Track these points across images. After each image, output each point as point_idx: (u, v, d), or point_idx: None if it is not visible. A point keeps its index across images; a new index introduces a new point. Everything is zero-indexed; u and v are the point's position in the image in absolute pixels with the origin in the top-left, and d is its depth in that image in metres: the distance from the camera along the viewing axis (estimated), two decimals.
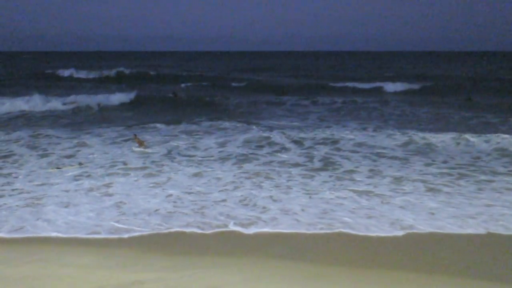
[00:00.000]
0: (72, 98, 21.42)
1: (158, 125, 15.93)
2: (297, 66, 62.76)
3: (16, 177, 9.51)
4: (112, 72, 40.78)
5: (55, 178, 9.49)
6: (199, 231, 6.78)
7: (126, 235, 6.61)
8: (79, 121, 17.75)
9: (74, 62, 71.06)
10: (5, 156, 11.36)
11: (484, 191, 8.68)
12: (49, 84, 33.38)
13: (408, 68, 58.45)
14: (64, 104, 20.55)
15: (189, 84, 34.37)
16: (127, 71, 42.22)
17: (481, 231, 6.85)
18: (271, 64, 70.97)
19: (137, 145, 11.92)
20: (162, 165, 10.55)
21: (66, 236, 6.58)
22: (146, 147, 11.85)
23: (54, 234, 6.64)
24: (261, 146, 12.62)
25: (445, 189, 8.81)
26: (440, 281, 5.38)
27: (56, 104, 20.47)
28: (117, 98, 22.41)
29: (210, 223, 7.07)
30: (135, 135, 12.30)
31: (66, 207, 7.74)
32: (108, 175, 9.73)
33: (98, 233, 6.69)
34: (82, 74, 40.56)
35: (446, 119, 18.23)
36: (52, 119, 18.15)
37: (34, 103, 20.11)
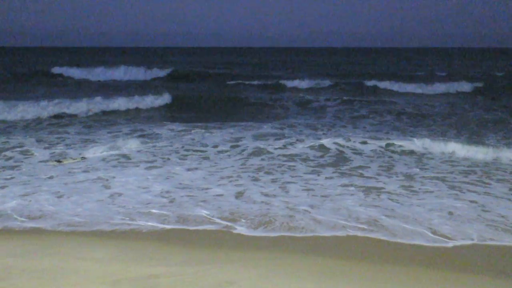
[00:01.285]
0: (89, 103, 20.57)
1: (174, 123, 15.97)
2: (317, 63, 62.20)
3: (20, 170, 9.61)
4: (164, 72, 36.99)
5: (58, 171, 9.51)
6: (214, 226, 6.72)
7: (141, 230, 6.59)
8: (97, 120, 17.90)
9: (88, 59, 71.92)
10: (14, 147, 11.66)
11: None
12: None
13: (428, 65, 57.31)
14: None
15: (203, 81, 34.42)
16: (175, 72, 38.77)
17: None
18: (287, 60, 70.60)
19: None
20: (168, 159, 10.57)
21: (81, 230, 6.59)
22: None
23: (69, 228, 6.66)
24: (274, 142, 12.49)
25: (470, 187, 8.48)
26: (464, 278, 5.20)
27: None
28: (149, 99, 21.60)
29: (226, 218, 7.01)
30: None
31: (75, 200, 7.77)
32: (112, 167, 9.76)
33: (112, 227, 6.69)
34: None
35: (463, 117, 17.75)
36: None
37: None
